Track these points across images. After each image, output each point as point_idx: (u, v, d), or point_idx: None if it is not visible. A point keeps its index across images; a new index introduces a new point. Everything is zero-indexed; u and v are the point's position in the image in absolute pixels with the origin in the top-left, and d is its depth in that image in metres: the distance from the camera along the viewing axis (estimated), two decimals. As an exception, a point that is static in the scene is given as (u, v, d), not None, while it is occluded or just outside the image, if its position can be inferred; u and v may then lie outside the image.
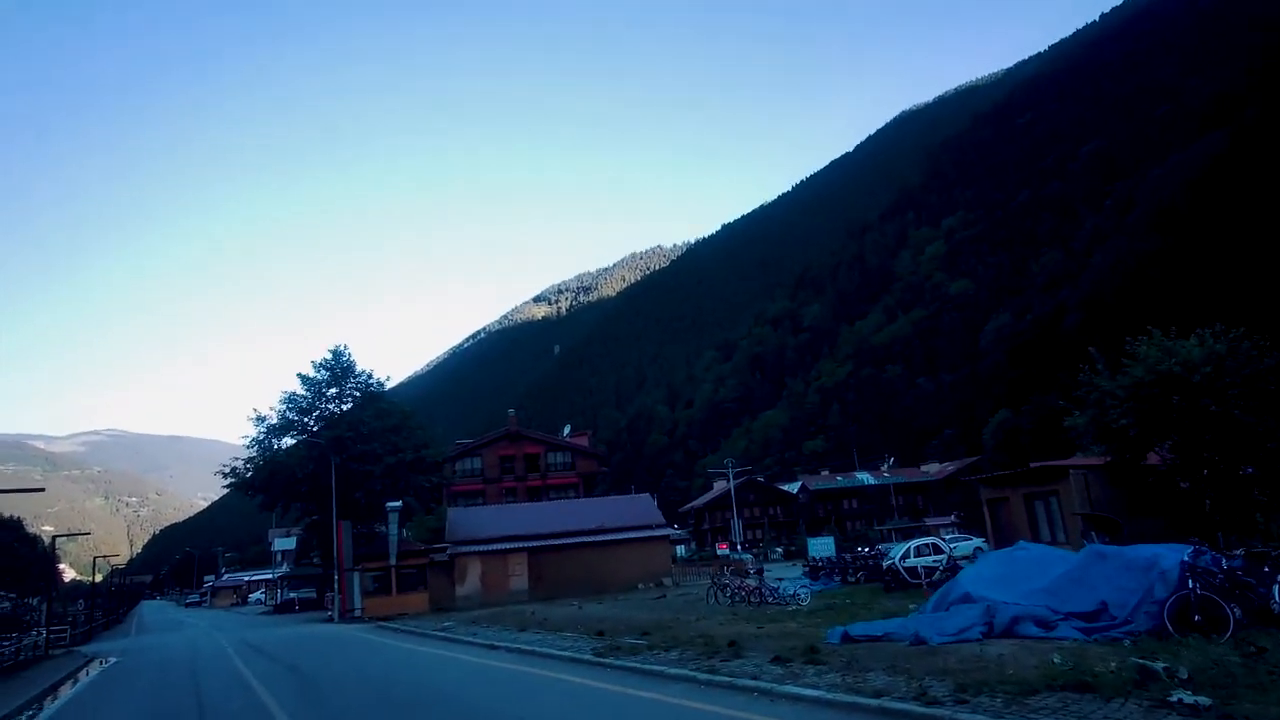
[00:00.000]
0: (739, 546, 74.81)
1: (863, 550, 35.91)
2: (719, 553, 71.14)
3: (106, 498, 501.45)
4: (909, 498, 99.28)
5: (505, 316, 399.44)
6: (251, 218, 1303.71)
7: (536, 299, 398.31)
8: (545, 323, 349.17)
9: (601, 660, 14.01)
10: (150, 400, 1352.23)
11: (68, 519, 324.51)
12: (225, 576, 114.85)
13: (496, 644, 18.49)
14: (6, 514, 71.67)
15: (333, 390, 44.76)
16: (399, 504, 39.84)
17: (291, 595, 59.84)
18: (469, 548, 42.12)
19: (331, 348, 44.57)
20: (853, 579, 31.04)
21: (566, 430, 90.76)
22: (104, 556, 59.43)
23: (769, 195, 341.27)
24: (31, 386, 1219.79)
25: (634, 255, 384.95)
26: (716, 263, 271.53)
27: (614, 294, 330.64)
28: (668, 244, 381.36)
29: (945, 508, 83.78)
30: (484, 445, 74.51)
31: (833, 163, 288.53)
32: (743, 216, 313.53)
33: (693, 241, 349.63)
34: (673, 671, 11.84)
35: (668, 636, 15.83)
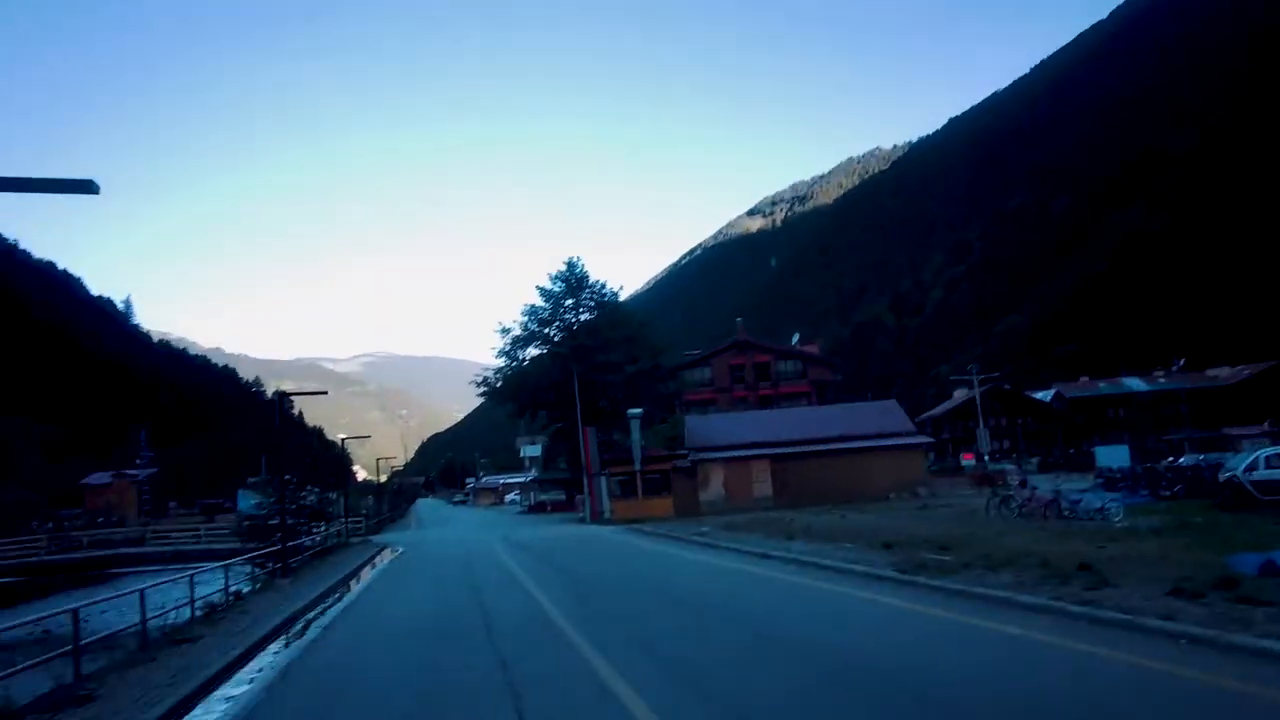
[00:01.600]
0: (986, 457, 69.16)
1: (1174, 460, 30.38)
2: (964, 464, 66.33)
3: (382, 410, 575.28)
4: (1193, 406, 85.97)
5: (720, 231, 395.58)
6: (484, 145, 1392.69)
7: (750, 212, 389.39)
8: (760, 235, 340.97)
9: (910, 579, 11.95)
10: (412, 323, 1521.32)
11: (353, 429, 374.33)
12: (484, 479, 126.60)
13: (770, 553, 17.09)
14: (310, 424, 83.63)
15: (569, 301, 45.64)
16: (640, 411, 39.93)
17: (543, 498, 63.74)
18: (711, 454, 41.62)
19: (566, 259, 45.33)
20: (1167, 493, 26.24)
21: (795, 338, 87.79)
22: (385, 458, 66.89)
23: (1001, 82, 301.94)
24: (319, 316, 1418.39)
25: (850, 160, 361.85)
26: (942, 160, 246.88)
27: (830, 201, 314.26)
28: (886, 144, 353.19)
29: (1240, 416, 71.47)
30: (713, 355, 73.70)
31: (1081, 35, 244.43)
32: (971, 109, 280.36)
33: (914, 140, 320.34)
34: (1025, 600, 9.47)
35: (975, 554, 13.39)
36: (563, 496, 63.04)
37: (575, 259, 45.15)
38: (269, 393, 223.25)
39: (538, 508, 62.64)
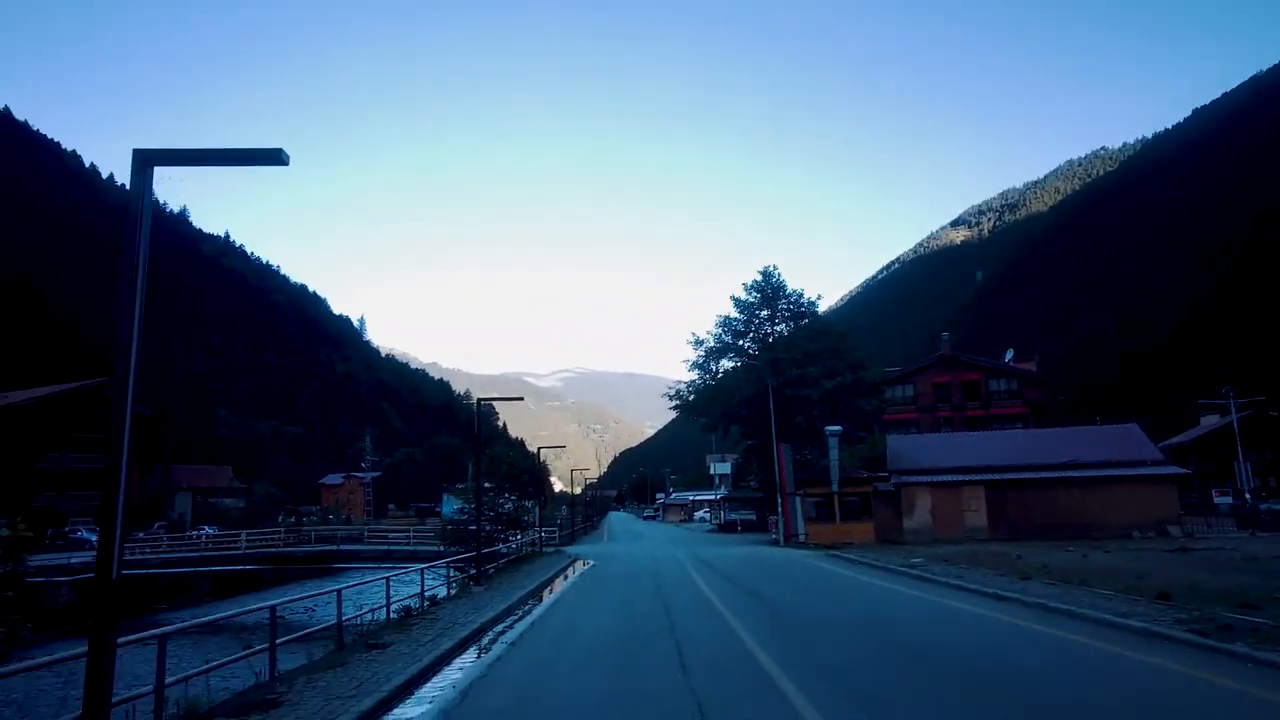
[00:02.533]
0: (1248, 494, 58.86)
1: None
2: (1217, 501, 57.15)
3: (579, 424, 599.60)
4: None
5: (921, 244, 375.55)
6: (681, 160, 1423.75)
7: (955, 223, 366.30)
8: (965, 247, 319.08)
9: (1218, 644, 9.27)
10: (610, 340, 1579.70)
11: (552, 441, 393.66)
12: (673, 495, 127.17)
13: (1004, 594, 14.55)
14: (513, 436, 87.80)
15: (764, 312, 43.89)
16: (839, 428, 37.49)
17: (733, 516, 62.20)
18: (916, 478, 38.22)
19: (761, 269, 43.70)
20: None
21: (1008, 355, 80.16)
22: (579, 470, 68.55)
23: (1264, 61, 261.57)
24: (523, 333, 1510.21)
25: (1069, 163, 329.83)
26: (1184, 157, 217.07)
27: (1045, 209, 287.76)
28: (1114, 143, 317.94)
29: None
30: (916, 372, 68.79)
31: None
32: (1224, 96, 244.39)
33: (1149, 136, 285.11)
34: None
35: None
36: (753, 516, 61.15)
37: (771, 268, 43.49)
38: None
39: (727, 526, 61.22)
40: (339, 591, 11.96)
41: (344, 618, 11.54)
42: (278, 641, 9.70)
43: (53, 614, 32.37)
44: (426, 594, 16.11)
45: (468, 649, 11.06)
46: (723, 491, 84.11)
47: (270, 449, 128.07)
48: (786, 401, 39.82)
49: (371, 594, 24.51)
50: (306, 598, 15.73)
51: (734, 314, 44.33)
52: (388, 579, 13.82)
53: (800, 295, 44.44)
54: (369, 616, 13.07)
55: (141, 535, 49.61)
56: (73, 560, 36.23)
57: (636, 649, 10.66)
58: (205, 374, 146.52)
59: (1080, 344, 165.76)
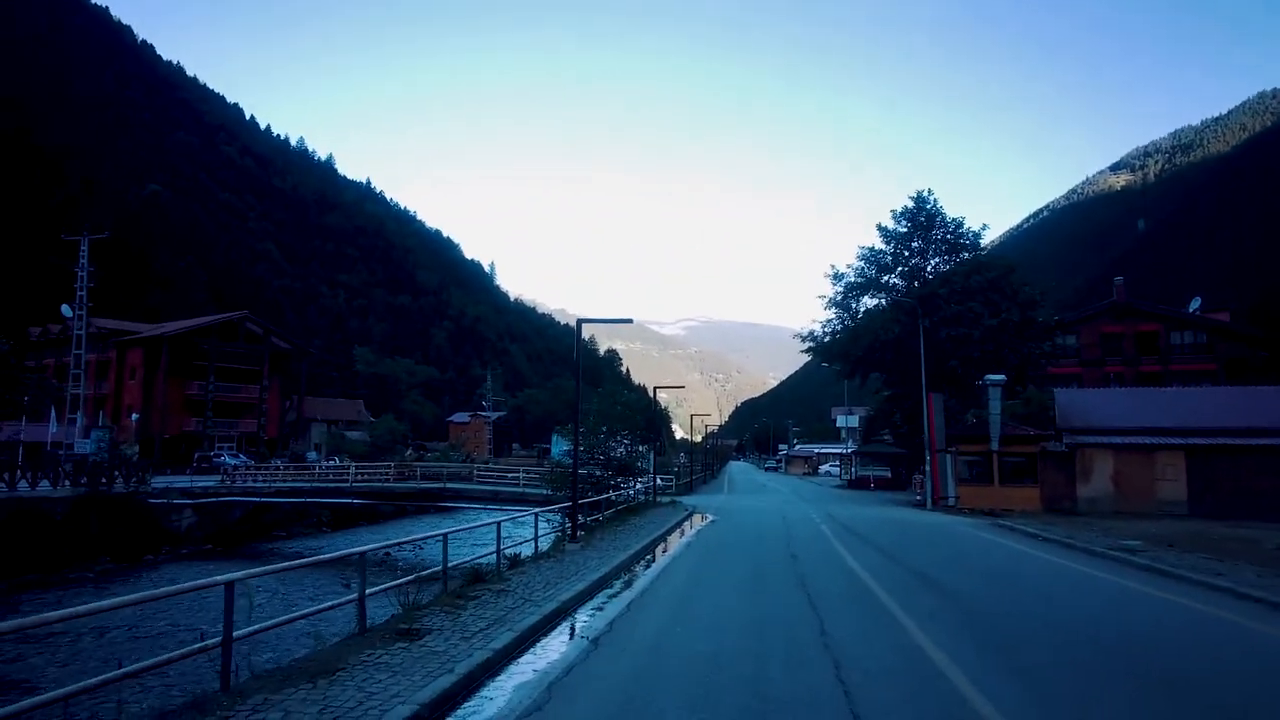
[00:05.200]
0: None
1: None
2: None
3: (701, 373, 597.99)
4: None
5: (1074, 190, 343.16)
6: (808, 105, 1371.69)
7: (1115, 166, 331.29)
8: (1126, 193, 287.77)
9: None
10: (733, 291, 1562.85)
11: (675, 389, 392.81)
12: (797, 447, 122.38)
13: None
14: (636, 382, 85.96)
15: (916, 243, 38.09)
16: (1002, 377, 32.17)
17: (865, 473, 57.56)
18: (1095, 438, 32.47)
19: (913, 194, 37.71)
20: None
21: (1195, 304, 69.73)
22: (699, 415, 65.43)
23: None
24: (648, 282, 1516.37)
25: (1261, 95, 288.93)
26: None
27: (1227, 148, 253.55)
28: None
29: None
30: (1080, 321, 60.68)
31: None
32: None
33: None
34: None
35: None
36: (887, 473, 56.20)
37: (925, 192, 37.30)
38: (602, 350, 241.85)
39: (858, 483, 56.62)
40: (363, 555, 9.41)
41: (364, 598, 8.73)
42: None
43: (173, 536, 32.64)
44: (507, 551, 13.20)
45: (529, 646, 7.91)
46: (850, 445, 78.85)
47: (403, 386, 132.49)
48: (939, 346, 34.55)
49: (464, 543, 22.25)
50: (406, 541, 13.24)
51: (879, 245, 38.58)
52: (446, 536, 10.81)
53: (960, 223, 38.12)
54: (424, 589, 10.27)
55: (276, 464, 50.75)
56: (195, 485, 36.65)
57: (780, 667, 7.11)
58: (345, 313, 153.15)
59: (1269, 294, 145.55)
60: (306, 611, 7.71)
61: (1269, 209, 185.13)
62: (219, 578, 6.05)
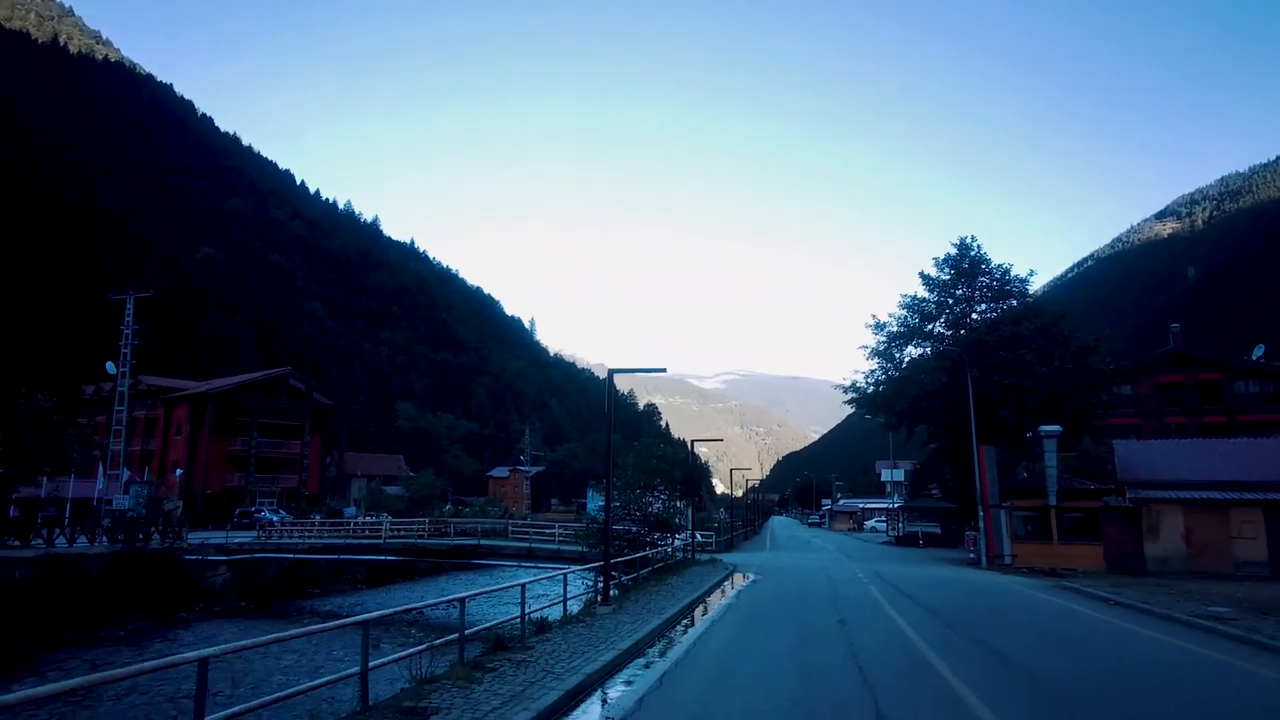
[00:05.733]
0: None
1: None
2: None
3: (741, 426, 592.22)
4: None
5: (1119, 239, 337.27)
6: (849, 160, 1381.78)
7: (1161, 214, 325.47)
8: (1173, 240, 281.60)
9: None
10: (773, 344, 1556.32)
11: (715, 443, 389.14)
12: (841, 501, 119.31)
13: None
14: (676, 436, 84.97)
15: (960, 290, 36.96)
16: (1057, 428, 30.68)
17: (913, 528, 55.33)
18: (1162, 492, 30.59)
19: (956, 240, 36.73)
20: None
21: (1259, 351, 66.81)
22: (740, 469, 64.00)
23: None
24: (688, 336, 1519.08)
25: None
26: None
27: (1278, 194, 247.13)
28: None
29: None
30: (1137, 370, 58.35)
31: None
32: None
33: None
34: None
35: None
36: (937, 529, 53.95)
37: (969, 238, 36.26)
38: (641, 404, 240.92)
39: (906, 539, 54.40)
40: (462, 600, 8.73)
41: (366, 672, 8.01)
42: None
43: (207, 593, 32.31)
44: (534, 615, 12.37)
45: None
46: (895, 500, 76.32)
47: (444, 441, 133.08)
48: (988, 395, 33.18)
49: (491, 603, 21.39)
50: (415, 607, 12.52)
51: (923, 293, 37.49)
52: (463, 601, 10.05)
53: (1007, 270, 36.90)
54: (435, 661, 9.50)
55: (313, 520, 50.62)
56: (231, 540, 36.46)
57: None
58: (388, 369, 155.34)
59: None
60: (297, 689, 6.98)
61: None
62: (189, 654, 5.42)
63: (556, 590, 24.68)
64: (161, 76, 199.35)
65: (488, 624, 11.15)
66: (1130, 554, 30.15)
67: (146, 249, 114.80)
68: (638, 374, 23.80)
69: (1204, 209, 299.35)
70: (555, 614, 13.75)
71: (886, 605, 16.76)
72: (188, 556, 32.29)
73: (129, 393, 71.35)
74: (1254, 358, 63.26)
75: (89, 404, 69.99)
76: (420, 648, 8.49)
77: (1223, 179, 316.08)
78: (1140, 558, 29.94)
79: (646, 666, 10.14)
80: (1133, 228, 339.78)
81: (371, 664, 7.71)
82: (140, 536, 31.08)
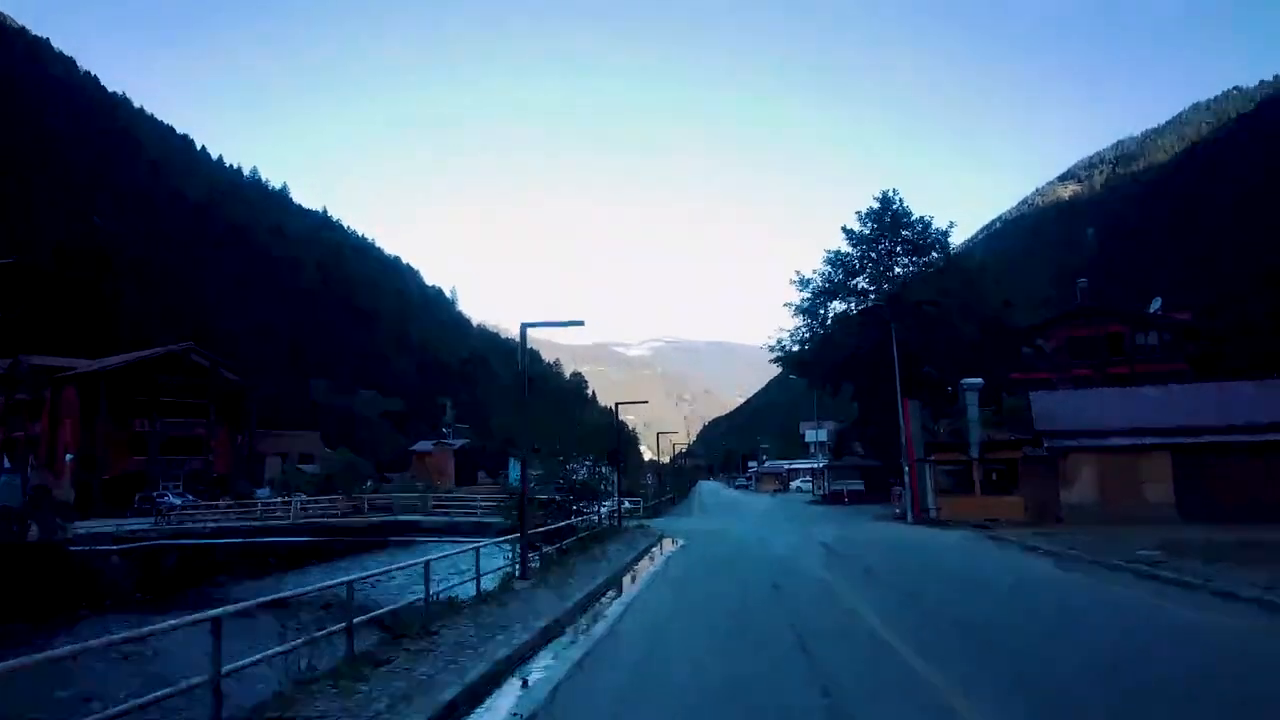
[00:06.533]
0: None
1: None
2: None
3: (667, 393, 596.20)
4: None
5: (1025, 200, 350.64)
6: (760, 125, 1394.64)
7: (1063, 177, 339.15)
8: (1074, 203, 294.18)
9: None
10: (699, 310, 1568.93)
11: (642, 410, 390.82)
12: (767, 464, 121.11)
13: None
14: (601, 404, 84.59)
15: (883, 245, 36.83)
16: (979, 381, 30.99)
17: (838, 486, 56.07)
18: (1076, 441, 31.30)
19: (878, 194, 36.50)
20: None
21: (1156, 304, 69.95)
22: (667, 433, 63.68)
23: None
24: (613, 303, 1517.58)
25: (1195, 107, 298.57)
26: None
27: (1167, 158, 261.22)
28: (1249, 83, 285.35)
29: None
30: (1049, 324, 60.20)
31: None
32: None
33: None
34: None
35: None
36: (861, 486, 54.81)
37: (890, 191, 36.04)
38: (567, 373, 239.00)
39: (832, 497, 55.13)
40: (349, 584, 7.73)
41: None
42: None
43: (95, 588, 29.79)
44: (444, 593, 11.19)
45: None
46: (820, 460, 77.55)
47: (364, 417, 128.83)
48: (911, 351, 33.29)
49: (403, 579, 20.06)
50: (295, 594, 11.11)
51: (846, 248, 37.21)
52: (351, 584, 8.79)
53: (929, 223, 36.90)
54: (332, 648, 8.22)
55: (221, 503, 47.76)
56: (124, 529, 33.83)
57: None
58: (303, 344, 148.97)
59: (1220, 300, 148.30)
60: (122, 708, 5.54)
61: (1215, 213, 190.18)
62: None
63: (482, 564, 23.56)
64: (36, 30, 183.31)
65: (390, 607, 9.89)
66: (1049, 502, 30.77)
67: (26, 220, 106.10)
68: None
69: (1101, 172, 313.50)
70: (469, 592, 12.58)
71: (820, 568, 16.22)
72: (73, 548, 29.65)
73: (6, 375, 66.04)
74: (1152, 310, 66.25)
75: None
76: (296, 641, 7.22)
77: (1116, 143, 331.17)
78: (1057, 506, 30.59)
79: (567, 647, 9.14)
80: (1038, 189, 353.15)
81: (237, 664, 6.44)
82: (14, 529, 28.31)
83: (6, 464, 49.96)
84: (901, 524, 30.68)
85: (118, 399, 62.96)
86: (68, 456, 58.83)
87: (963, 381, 30.84)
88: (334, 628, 8.05)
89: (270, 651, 7.00)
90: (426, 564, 10.14)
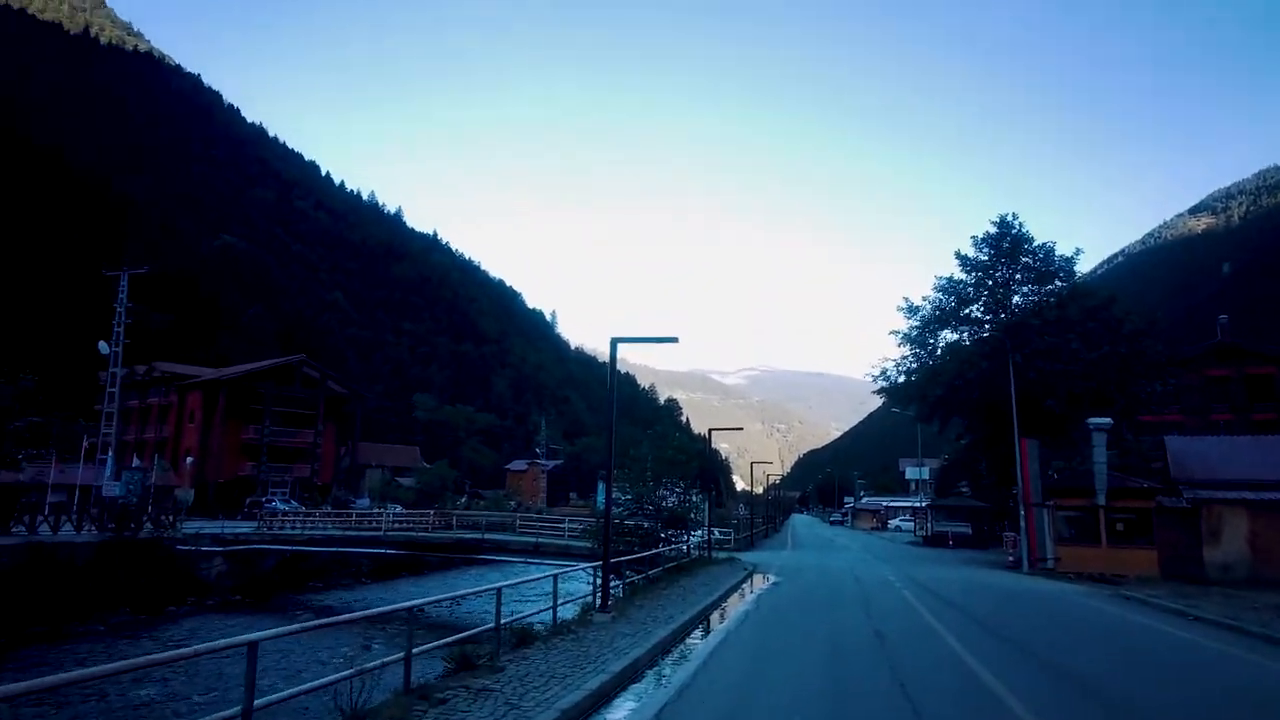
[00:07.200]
0: None
1: None
2: None
3: (763, 423, 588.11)
4: None
5: (1150, 235, 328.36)
6: (873, 153, 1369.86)
7: (1195, 209, 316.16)
8: (1207, 236, 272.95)
9: None
10: (796, 340, 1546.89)
11: (736, 438, 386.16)
12: (864, 499, 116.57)
13: None
14: (695, 432, 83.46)
15: (1000, 272, 34.38)
16: (1108, 421, 28.31)
17: (942, 528, 52.87)
18: (1224, 493, 28.07)
19: (995, 218, 34.11)
20: None
21: (1312, 345, 63.40)
22: (759, 463, 61.85)
23: None
24: (710, 331, 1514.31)
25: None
26: None
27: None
28: None
29: None
30: (1181, 363, 55.28)
31: None
32: None
33: None
34: None
35: None
36: (968, 530, 51.47)
37: (1010, 215, 33.56)
38: (662, 399, 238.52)
39: (936, 539, 51.95)
40: (411, 609, 7.22)
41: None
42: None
43: (200, 585, 30.85)
44: (517, 623, 10.46)
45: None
46: (921, 499, 73.65)
47: (462, 433, 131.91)
48: (1030, 385, 30.77)
49: (482, 603, 19.57)
50: (358, 616, 10.69)
51: (959, 275, 34.84)
52: (410, 618, 8.10)
53: (1051, 249, 34.17)
54: (375, 681, 7.59)
55: (322, 510, 49.21)
56: (226, 531, 35.03)
57: None
58: (408, 360, 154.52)
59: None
60: None
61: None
62: None
63: (565, 589, 22.90)
64: (190, 68, 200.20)
65: (457, 635, 9.22)
66: (1187, 559, 27.65)
67: (168, 236, 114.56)
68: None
69: (1240, 203, 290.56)
70: (547, 619, 11.81)
71: (928, 615, 14.64)
72: (180, 547, 30.84)
73: (144, 379, 70.75)
74: (1297, 350, 59.97)
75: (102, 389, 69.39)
76: (347, 672, 6.57)
77: (1260, 172, 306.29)
78: (1199, 563, 27.44)
79: (644, 695, 8.19)
80: (1165, 223, 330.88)
81: (272, 698, 5.83)
82: (131, 525, 29.65)
83: (136, 462, 53.09)
84: (1016, 573, 28.20)
85: (234, 406, 66.40)
86: (188, 459, 62.23)
87: (1089, 420, 28.20)
88: (391, 657, 7.39)
89: (315, 683, 6.39)
90: (499, 591, 9.42)
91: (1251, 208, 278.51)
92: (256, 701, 5.34)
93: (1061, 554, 29.51)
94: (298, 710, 6.45)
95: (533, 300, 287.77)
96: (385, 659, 7.19)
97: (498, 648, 9.18)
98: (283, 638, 6.96)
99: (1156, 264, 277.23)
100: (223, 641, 5.55)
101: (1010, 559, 31.67)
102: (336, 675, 6.55)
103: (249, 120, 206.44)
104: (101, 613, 26.35)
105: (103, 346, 39.19)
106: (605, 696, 7.82)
